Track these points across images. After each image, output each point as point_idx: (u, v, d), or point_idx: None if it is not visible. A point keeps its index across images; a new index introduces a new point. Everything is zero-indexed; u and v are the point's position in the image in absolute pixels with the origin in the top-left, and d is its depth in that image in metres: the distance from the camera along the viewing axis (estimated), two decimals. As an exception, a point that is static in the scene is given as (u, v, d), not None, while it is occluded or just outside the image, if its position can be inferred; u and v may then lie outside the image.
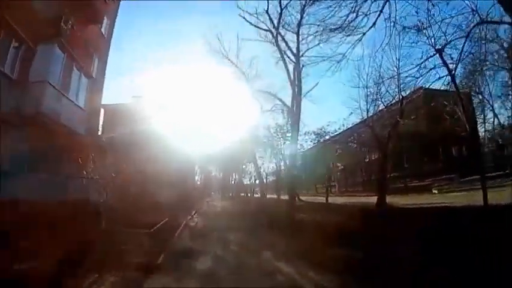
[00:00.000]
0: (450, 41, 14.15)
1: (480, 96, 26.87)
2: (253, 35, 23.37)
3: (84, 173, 10.67)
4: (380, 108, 20.60)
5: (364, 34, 13.56)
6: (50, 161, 11.85)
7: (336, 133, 31.54)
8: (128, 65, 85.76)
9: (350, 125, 29.17)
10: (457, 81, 20.84)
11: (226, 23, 40.09)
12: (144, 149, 19.09)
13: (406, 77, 15.42)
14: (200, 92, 52.53)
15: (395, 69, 17.45)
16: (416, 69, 14.36)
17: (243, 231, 14.89)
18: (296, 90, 20.69)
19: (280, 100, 23.42)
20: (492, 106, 27.49)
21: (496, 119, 29.17)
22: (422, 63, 14.14)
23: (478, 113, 29.88)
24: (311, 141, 31.69)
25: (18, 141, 10.52)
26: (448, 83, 23.09)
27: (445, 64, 15.02)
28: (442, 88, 23.06)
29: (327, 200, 26.55)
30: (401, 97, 18.10)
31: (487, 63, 18.98)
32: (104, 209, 9.99)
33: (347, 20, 12.59)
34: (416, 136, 29.84)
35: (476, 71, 20.03)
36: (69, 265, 6.85)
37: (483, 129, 31.12)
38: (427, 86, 17.41)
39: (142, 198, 14.56)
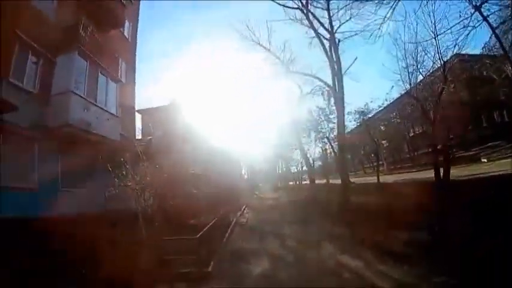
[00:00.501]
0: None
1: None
2: (283, 17, 21.76)
3: (120, 180, 9.95)
4: (421, 77, 19.09)
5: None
6: (84, 172, 11.44)
7: (379, 109, 29.70)
8: (160, 67, 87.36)
9: (392, 100, 27.76)
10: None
11: (254, 8, 38.73)
12: (185, 150, 18.52)
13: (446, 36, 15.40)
14: (237, 84, 50.91)
15: (433, 34, 16.02)
16: (456, 30, 13.69)
17: (297, 223, 13.80)
18: (336, 67, 19.21)
19: (321, 80, 21.96)
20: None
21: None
22: (460, 21, 13.33)
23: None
24: (354, 120, 29.84)
25: (48, 157, 10.16)
26: (484, 46, 21.33)
27: (486, 20, 13.77)
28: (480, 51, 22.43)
29: (378, 179, 25.14)
30: (443, 62, 16.60)
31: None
32: (145, 217, 9.25)
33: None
34: (457, 105, 27.79)
35: (498, 36, 17.44)
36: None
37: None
38: (466, 49, 16.29)
39: (188, 201, 13.86)
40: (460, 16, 13.22)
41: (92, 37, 13.08)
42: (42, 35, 10.65)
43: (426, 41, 16.40)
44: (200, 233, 8.78)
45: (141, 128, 24.67)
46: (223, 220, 14.20)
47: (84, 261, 6.99)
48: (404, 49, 18.17)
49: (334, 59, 19.30)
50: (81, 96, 11.45)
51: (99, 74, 12.99)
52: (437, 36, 15.68)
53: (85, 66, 12.10)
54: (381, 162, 43.11)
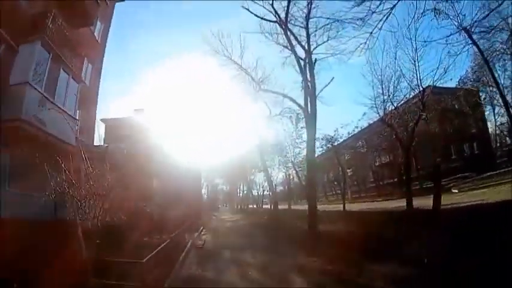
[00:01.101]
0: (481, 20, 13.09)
1: (490, 89, 25.26)
2: (258, 32, 21.30)
3: (58, 186, 8.82)
4: (395, 105, 18.67)
5: (393, 6, 12.35)
6: (35, 175, 10.20)
7: (348, 137, 30.14)
8: (126, 75, 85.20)
9: (363, 127, 27.81)
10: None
11: (229, 20, 38.61)
12: (145, 162, 17.47)
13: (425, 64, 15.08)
14: (204, 99, 49.62)
15: (413, 61, 15.85)
16: (438, 51, 14.15)
17: (261, 251, 12.94)
18: (310, 86, 19.04)
19: (293, 100, 21.53)
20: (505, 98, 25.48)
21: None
22: (445, 40, 13.39)
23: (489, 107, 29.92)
24: (321, 146, 29.67)
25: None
26: (460, 78, 23.35)
27: (475, 43, 14.01)
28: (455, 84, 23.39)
29: (344, 208, 25.20)
30: (421, 89, 16.49)
31: (497, 52, 16.88)
32: (86, 231, 8.18)
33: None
34: (430, 134, 28.99)
35: (488, 62, 18.07)
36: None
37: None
38: (445, 78, 16.33)
39: (141, 217, 12.82)
40: (446, 41, 13.33)
41: (60, 30, 12.13)
42: (8, 18, 9.68)
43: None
44: (148, 257, 7.92)
45: (104, 137, 23.65)
46: (178, 241, 13.28)
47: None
48: (381, 75, 17.96)
49: (309, 79, 19.14)
50: (38, 91, 10.42)
51: (61, 70, 11.99)
52: (417, 60, 15.68)
53: (47, 60, 11.11)
54: (346, 191, 43.58)
